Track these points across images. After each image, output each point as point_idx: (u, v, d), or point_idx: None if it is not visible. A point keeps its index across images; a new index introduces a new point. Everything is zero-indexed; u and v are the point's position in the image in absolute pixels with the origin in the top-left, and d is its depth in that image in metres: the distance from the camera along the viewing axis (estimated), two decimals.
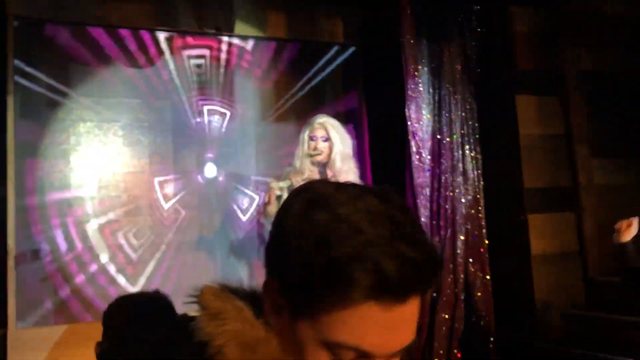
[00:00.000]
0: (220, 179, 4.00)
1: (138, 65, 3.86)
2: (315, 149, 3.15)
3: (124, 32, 3.83)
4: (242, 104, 4.12)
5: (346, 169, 3.17)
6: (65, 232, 3.59)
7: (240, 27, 4.09)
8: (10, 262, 3.42)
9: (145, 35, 3.90)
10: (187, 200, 3.87)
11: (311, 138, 3.16)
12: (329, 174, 3.17)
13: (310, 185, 0.74)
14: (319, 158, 3.16)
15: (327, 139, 3.15)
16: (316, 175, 3.20)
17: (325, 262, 0.63)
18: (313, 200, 0.69)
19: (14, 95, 3.52)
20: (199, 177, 3.94)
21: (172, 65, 3.96)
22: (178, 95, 3.96)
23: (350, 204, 0.67)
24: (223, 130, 4.05)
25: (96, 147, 3.73)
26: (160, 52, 3.94)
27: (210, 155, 3.99)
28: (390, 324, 0.64)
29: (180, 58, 3.99)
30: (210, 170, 3.97)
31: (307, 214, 0.68)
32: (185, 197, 3.85)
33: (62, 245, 3.58)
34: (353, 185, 0.72)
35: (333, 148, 3.15)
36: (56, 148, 3.64)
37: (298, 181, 3.10)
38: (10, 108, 3.50)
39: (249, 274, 3.91)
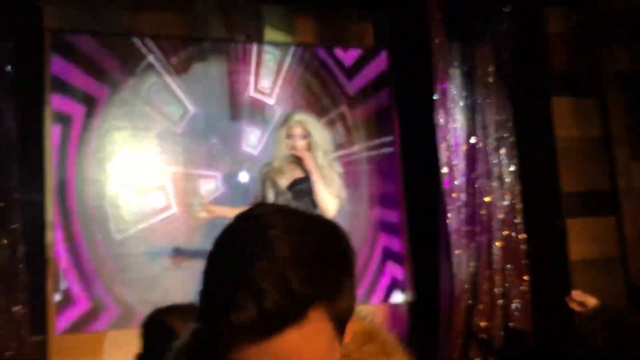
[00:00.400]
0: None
1: (171, 73, 3.91)
2: (293, 147, 3.11)
3: (157, 42, 3.88)
4: (275, 108, 4.12)
5: (327, 164, 3.15)
6: (106, 239, 3.65)
7: (269, 34, 4.11)
8: (51, 270, 3.49)
9: (177, 43, 3.94)
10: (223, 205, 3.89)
11: (288, 136, 3.13)
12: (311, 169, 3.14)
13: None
14: (299, 155, 3.12)
15: (306, 136, 3.12)
16: (298, 174, 3.16)
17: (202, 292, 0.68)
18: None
19: (51, 105, 3.59)
20: (235, 182, 3.96)
21: (204, 72, 3.99)
22: (211, 101, 3.99)
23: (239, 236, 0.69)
24: (256, 135, 4.07)
25: (131, 155, 3.78)
26: (192, 59, 3.98)
27: (244, 160, 4.01)
28: (270, 356, 0.63)
29: (212, 65, 4.02)
30: (246, 175, 3.99)
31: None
32: (221, 202, 3.87)
33: (102, 250, 3.63)
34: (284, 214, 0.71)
35: (312, 144, 3.12)
36: (92, 157, 3.70)
37: (281, 180, 3.12)
38: (48, 118, 3.57)
39: None
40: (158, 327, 1.61)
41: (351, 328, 0.74)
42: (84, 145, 3.70)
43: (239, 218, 0.71)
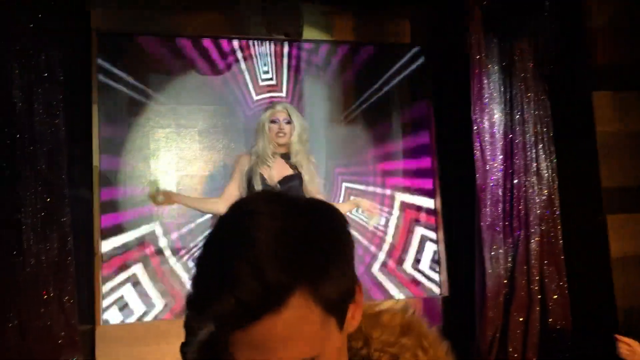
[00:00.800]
0: None
1: (212, 72, 4.02)
2: (280, 129, 3.15)
3: (199, 41, 3.99)
4: (312, 106, 4.18)
5: (304, 155, 3.18)
6: (150, 236, 3.79)
7: (308, 32, 4.16)
8: (98, 262, 3.64)
9: (218, 43, 4.05)
10: None
11: (273, 121, 3.17)
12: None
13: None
14: (283, 140, 3.15)
15: (289, 122, 3.16)
16: (284, 168, 3.17)
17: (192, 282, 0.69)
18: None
19: (98, 104, 3.74)
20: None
21: (244, 71, 4.08)
22: (251, 99, 4.08)
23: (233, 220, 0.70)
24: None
25: (174, 152, 3.91)
26: (233, 58, 4.08)
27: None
28: (254, 344, 0.64)
29: (252, 64, 4.11)
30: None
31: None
32: None
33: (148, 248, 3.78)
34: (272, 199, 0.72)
35: (293, 132, 3.17)
36: (137, 153, 3.84)
37: (269, 175, 3.12)
38: (95, 116, 3.72)
39: None
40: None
41: (360, 321, 0.74)
42: (130, 142, 3.84)
43: (232, 206, 0.72)
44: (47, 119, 3.08)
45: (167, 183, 3.85)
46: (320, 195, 3.19)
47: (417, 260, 4.24)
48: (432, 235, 4.27)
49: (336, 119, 4.25)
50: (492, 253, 3.58)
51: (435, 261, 4.25)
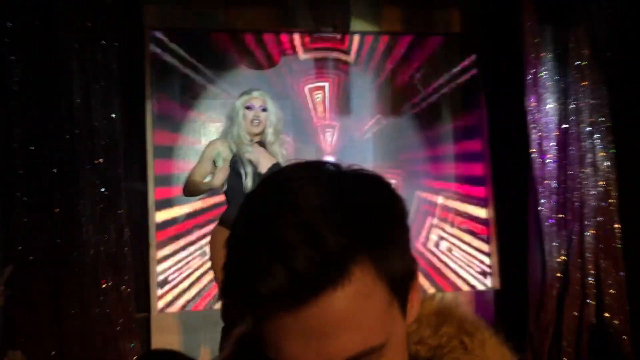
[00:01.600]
0: None
1: (262, 66, 4.07)
2: (256, 117, 3.05)
3: (248, 36, 4.04)
4: (360, 100, 4.18)
5: (278, 144, 3.11)
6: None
7: (356, 24, 4.16)
8: (153, 253, 3.76)
9: (267, 37, 4.09)
10: None
11: (249, 107, 3.07)
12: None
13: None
14: (257, 129, 3.06)
15: (265, 110, 3.08)
16: (265, 154, 3.09)
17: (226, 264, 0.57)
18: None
19: (151, 99, 3.85)
20: None
21: (292, 65, 4.12)
22: (299, 93, 4.11)
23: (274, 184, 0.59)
24: (341, 126, 4.15)
25: None
26: (282, 52, 4.11)
27: (329, 150, 4.10)
28: (308, 331, 0.53)
29: (301, 57, 4.14)
30: None
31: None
32: None
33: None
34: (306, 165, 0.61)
35: (267, 120, 3.08)
36: (189, 149, 3.93)
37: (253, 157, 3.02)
38: (149, 111, 3.82)
39: None
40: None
41: (418, 310, 0.64)
42: (182, 137, 3.93)
43: (264, 179, 0.61)
44: (104, 114, 3.19)
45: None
46: None
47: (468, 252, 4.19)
48: (483, 227, 4.21)
49: (382, 117, 4.23)
50: (546, 246, 3.50)
51: (488, 253, 4.19)
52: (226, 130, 3.14)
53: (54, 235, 3.02)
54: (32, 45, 3.04)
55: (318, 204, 0.54)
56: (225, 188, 3.02)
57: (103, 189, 3.16)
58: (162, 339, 3.61)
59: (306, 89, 4.14)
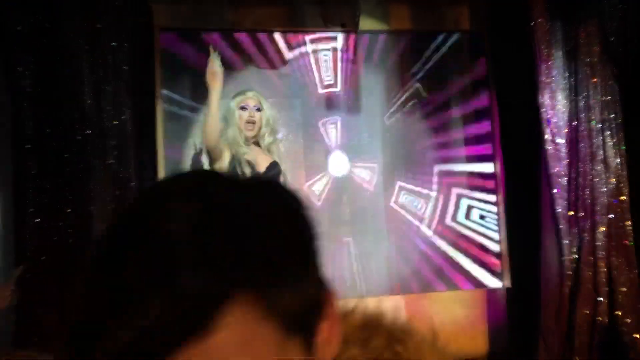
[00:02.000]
0: (352, 172, 4.09)
1: (269, 66, 4.06)
2: (250, 117, 3.01)
3: (256, 35, 4.05)
4: (367, 97, 4.18)
5: (274, 143, 3.08)
6: None
7: (364, 22, 4.15)
8: None
9: (274, 37, 4.09)
10: (320, 195, 4.02)
11: (243, 107, 3.04)
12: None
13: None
14: (252, 133, 3.02)
15: (259, 110, 3.04)
16: (261, 154, 3.06)
17: None
18: None
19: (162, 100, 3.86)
20: (331, 171, 4.06)
21: (300, 64, 4.11)
22: (307, 92, 4.11)
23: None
24: (349, 124, 4.15)
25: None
26: (289, 52, 4.11)
27: (339, 149, 4.10)
28: None
29: (308, 56, 4.13)
30: (341, 163, 4.08)
31: None
32: (317, 192, 4.00)
33: None
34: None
35: (263, 120, 3.05)
36: (198, 146, 3.94)
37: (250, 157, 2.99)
38: (159, 112, 3.84)
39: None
40: None
41: (341, 330, 0.53)
42: (190, 138, 3.94)
43: (141, 191, 0.49)
44: (114, 115, 3.21)
45: None
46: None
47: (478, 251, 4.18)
48: (492, 224, 4.20)
49: (393, 114, 4.21)
50: (557, 243, 3.49)
51: (498, 252, 4.17)
52: (221, 132, 3.08)
53: (65, 235, 3.05)
54: (43, 48, 3.07)
55: (185, 232, 0.42)
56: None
57: (114, 189, 3.18)
58: None
59: (316, 88, 4.14)
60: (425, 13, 4.25)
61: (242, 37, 4.04)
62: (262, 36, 4.07)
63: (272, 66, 4.07)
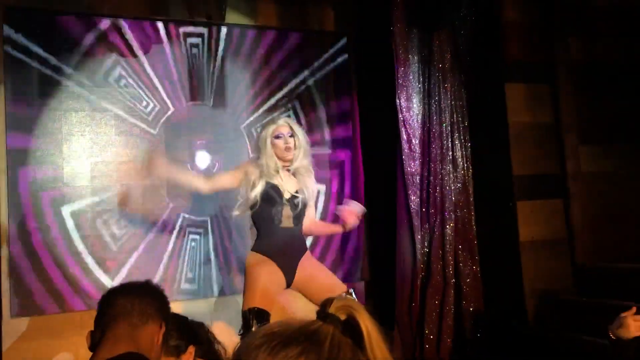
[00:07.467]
0: (215, 169, 4.00)
1: (129, 54, 3.86)
2: (286, 144, 3.04)
3: (117, 21, 3.83)
4: (233, 94, 4.12)
5: (306, 165, 3.12)
6: (60, 222, 3.61)
7: (231, 16, 4.09)
8: (4, 252, 3.45)
9: (137, 24, 3.90)
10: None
11: (277, 136, 3.06)
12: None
13: None
14: (291, 156, 3.06)
15: (292, 135, 3.09)
16: (290, 180, 3.09)
17: None
18: None
19: (4, 81, 3.52)
20: (191, 166, 3.95)
21: (163, 54, 3.96)
22: (170, 83, 3.96)
23: None
24: (215, 119, 4.07)
25: (88, 137, 3.74)
26: (151, 40, 3.94)
27: (202, 143, 4.00)
28: None
29: (172, 46, 3.98)
30: (203, 158, 3.98)
31: None
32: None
33: (55, 234, 3.60)
34: None
35: (297, 144, 3.09)
36: (48, 138, 3.65)
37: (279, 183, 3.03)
38: (1, 94, 3.50)
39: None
40: (105, 305, 1.60)
41: None
42: (42, 125, 3.64)
43: None
44: None
45: (80, 169, 3.68)
46: (312, 210, 3.20)
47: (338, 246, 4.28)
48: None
49: (256, 109, 4.19)
50: (411, 238, 3.69)
51: (357, 245, 4.30)
52: (255, 158, 3.15)
53: None
54: None
55: None
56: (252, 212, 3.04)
57: None
58: (15, 346, 3.34)
59: (177, 79, 4.00)
60: (292, 11, 4.28)
61: (102, 23, 3.80)
62: (122, 23, 3.85)
63: (131, 55, 3.86)
